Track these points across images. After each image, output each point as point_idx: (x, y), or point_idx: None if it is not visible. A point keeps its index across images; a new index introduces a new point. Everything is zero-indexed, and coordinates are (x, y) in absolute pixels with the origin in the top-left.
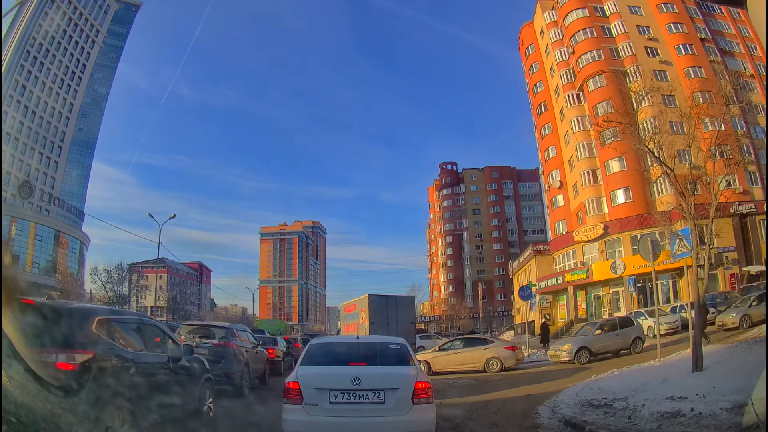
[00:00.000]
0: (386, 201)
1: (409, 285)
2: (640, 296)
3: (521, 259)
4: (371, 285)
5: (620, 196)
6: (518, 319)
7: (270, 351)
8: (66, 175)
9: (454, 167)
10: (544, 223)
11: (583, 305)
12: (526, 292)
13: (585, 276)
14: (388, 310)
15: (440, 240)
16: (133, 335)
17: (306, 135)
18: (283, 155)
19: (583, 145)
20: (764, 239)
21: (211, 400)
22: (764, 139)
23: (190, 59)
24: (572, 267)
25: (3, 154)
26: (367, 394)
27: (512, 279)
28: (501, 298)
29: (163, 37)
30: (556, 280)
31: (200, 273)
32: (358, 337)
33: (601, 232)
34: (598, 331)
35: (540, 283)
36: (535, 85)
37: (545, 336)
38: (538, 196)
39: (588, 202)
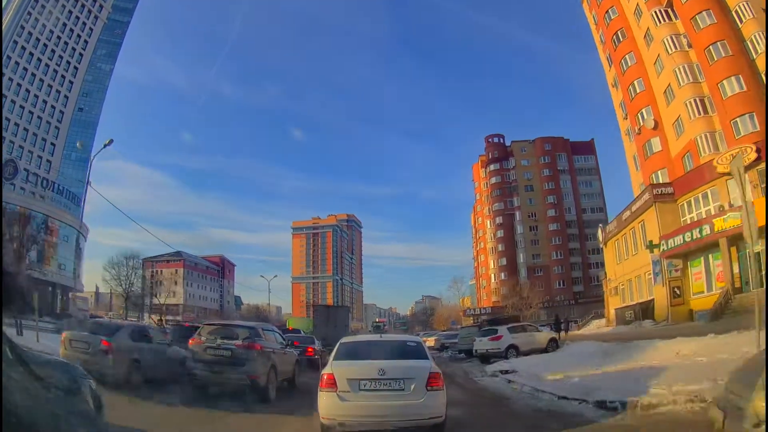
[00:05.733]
0: (428, 198)
1: (449, 279)
2: None
3: (625, 216)
4: (414, 281)
5: (745, 125)
6: (614, 303)
7: (309, 349)
8: (63, 158)
9: (502, 140)
10: (603, 200)
11: (735, 268)
12: None
13: None
14: (329, 315)
15: (488, 222)
16: None
17: (348, 133)
18: (324, 153)
19: (683, 68)
20: None
21: None
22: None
23: (229, 58)
24: (716, 212)
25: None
26: (389, 383)
27: (602, 248)
28: (560, 285)
29: (202, 37)
30: (699, 231)
31: (222, 267)
32: (381, 336)
33: (753, 156)
34: None
35: (666, 242)
36: (607, 12)
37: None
38: (595, 170)
39: (700, 138)
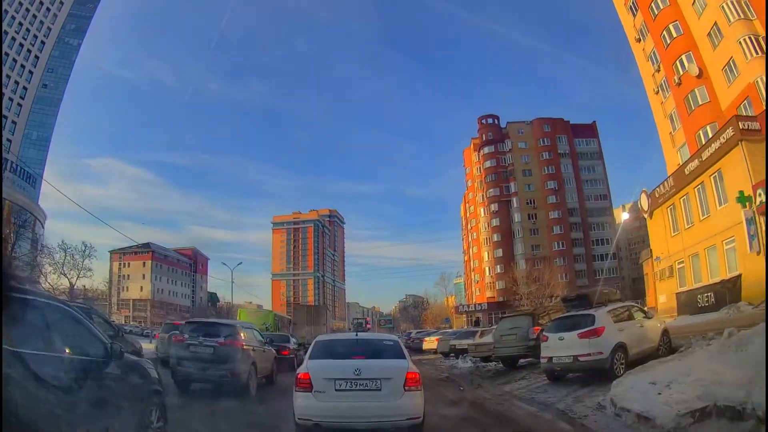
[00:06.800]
0: (413, 196)
1: (434, 278)
2: None
3: (690, 168)
4: (398, 281)
5: None
6: (666, 288)
7: (284, 352)
8: (25, 137)
9: (497, 121)
10: (607, 186)
11: None
12: None
13: None
14: (307, 314)
15: (482, 210)
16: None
17: (332, 130)
18: (309, 151)
19: (731, 3)
20: None
21: (160, 424)
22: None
23: (212, 54)
24: None
25: None
26: (366, 383)
27: (649, 218)
28: (563, 279)
29: (187, 32)
30: None
31: (194, 261)
32: (357, 335)
33: None
34: None
35: (766, 191)
36: None
37: None
38: (597, 154)
39: (760, 81)
